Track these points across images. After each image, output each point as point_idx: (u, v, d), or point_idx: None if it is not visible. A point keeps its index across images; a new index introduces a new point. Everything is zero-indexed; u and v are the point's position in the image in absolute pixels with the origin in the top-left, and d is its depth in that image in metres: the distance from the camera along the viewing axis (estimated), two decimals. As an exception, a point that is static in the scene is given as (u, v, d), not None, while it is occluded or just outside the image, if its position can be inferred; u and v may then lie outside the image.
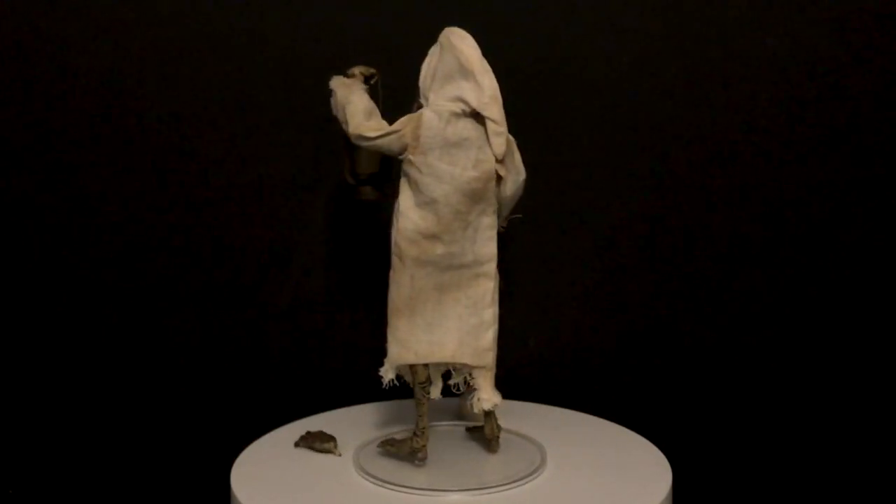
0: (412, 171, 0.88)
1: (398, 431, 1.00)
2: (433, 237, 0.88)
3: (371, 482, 0.90)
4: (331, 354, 1.20)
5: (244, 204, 1.17)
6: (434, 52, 0.89)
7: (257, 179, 1.17)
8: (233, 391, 1.20)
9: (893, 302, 1.19)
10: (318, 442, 0.96)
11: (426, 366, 0.92)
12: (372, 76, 0.93)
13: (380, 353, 1.11)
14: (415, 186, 0.88)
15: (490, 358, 0.92)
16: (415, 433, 0.92)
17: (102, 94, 1.15)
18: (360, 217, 1.17)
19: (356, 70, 0.92)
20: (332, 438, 0.96)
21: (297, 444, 0.98)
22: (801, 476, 1.15)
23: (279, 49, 1.15)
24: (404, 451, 0.93)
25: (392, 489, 0.89)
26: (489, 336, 0.92)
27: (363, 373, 1.17)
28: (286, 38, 1.15)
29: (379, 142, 0.87)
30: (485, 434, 0.96)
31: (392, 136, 0.87)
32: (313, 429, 1.00)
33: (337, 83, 0.90)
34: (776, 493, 1.12)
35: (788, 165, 1.17)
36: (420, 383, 0.92)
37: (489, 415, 0.95)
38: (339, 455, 0.94)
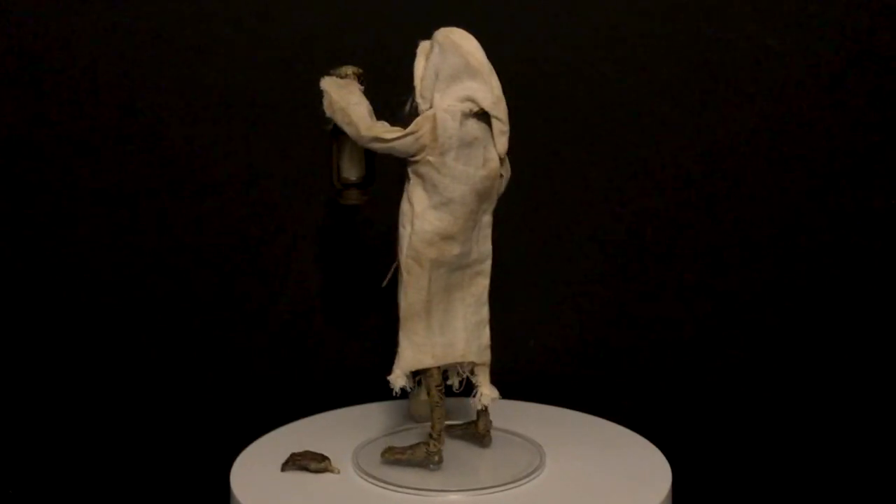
0: (429, 173, 0.87)
1: (388, 435, 1.01)
2: (450, 238, 0.88)
3: (370, 483, 0.90)
4: (330, 355, 1.20)
5: (244, 205, 1.17)
6: (430, 51, 0.88)
7: (257, 180, 1.17)
8: (233, 391, 1.20)
9: (893, 302, 1.19)
10: (313, 462, 0.93)
11: (439, 368, 0.91)
12: (361, 75, 0.92)
13: (378, 353, 1.11)
14: (431, 188, 0.87)
15: (489, 354, 0.93)
16: (431, 436, 0.91)
17: (101, 95, 1.15)
18: (360, 218, 1.17)
19: (349, 70, 0.90)
20: (325, 458, 0.93)
21: (284, 468, 0.93)
22: (801, 476, 1.15)
23: (277, 50, 1.15)
24: (419, 456, 0.92)
25: (391, 490, 0.89)
26: (487, 332, 0.93)
27: (362, 373, 1.18)
28: (285, 39, 1.15)
29: (395, 143, 0.86)
30: (478, 430, 0.96)
31: (410, 138, 0.86)
32: (312, 429, 1.00)
33: (331, 84, 0.88)
34: (776, 493, 1.12)
35: (789, 165, 1.17)
36: (437, 386, 0.91)
37: (484, 411, 0.95)
38: (338, 472, 0.92)
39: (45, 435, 1.17)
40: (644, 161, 1.17)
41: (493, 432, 1.00)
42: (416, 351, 0.89)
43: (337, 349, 1.20)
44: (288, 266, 1.19)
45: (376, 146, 0.87)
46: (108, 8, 1.14)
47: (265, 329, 1.20)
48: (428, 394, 0.91)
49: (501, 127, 0.88)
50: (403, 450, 0.93)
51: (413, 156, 0.87)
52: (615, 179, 1.18)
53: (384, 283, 0.93)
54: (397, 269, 0.91)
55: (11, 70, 1.14)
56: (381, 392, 1.06)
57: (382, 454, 0.93)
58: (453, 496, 0.88)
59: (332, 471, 0.91)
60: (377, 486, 0.90)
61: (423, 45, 0.89)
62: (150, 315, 1.19)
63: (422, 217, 0.87)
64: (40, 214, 1.16)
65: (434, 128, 0.86)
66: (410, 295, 0.89)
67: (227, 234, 1.18)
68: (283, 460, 0.95)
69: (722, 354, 1.20)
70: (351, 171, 0.93)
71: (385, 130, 0.86)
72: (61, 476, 1.11)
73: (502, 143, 0.88)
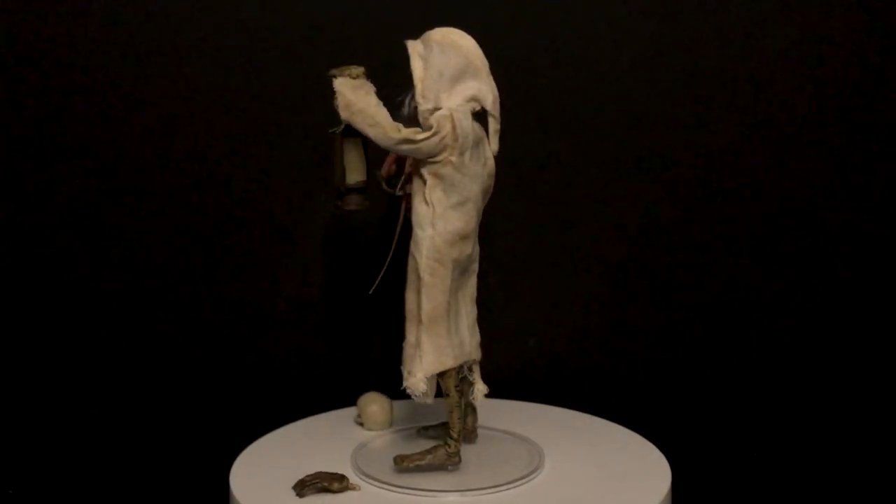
0: (450, 173, 0.86)
1: (386, 436, 1.01)
2: (467, 237, 0.88)
3: (370, 483, 0.90)
4: (330, 355, 1.20)
5: (244, 204, 1.17)
6: (424, 51, 0.88)
7: (257, 180, 1.17)
8: (233, 391, 1.20)
9: (893, 302, 1.19)
10: (335, 483, 0.90)
11: (457, 368, 0.91)
12: (367, 75, 0.89)
13: (376, 355, 1.11)
14: (450, 188, 0.87)
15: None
16: (451, 437, 0.91)
17: (102, 94, 1.15)
18: (360, 217, 1.16)
19: (358, 70, 0.87)
20: (343, 477, 0.90)
21: (302, 494, 0.89)
22: (801, 476, 1.15)
23: (279, 50, 1.15)
24: (439, 459, 0.91)
25: (391, 490, 0.89)
26: (477, 328, 0.93)
27: (362, 373, 1.18)
28: (287, 39, 1.15)
29: (423, 145, 0.85)
30: (468, 427, 0.96)
31: (435, 138, 0.85)
32: (310, 430, 1.00)
33: (346, 85, 0.86)
34: (776, 492, 1.12)
35: (789, 166, 1.17)
36: (456, 387, 0.91)
37: (473, 407, 0.96)
38: (359, 489, 0.90)
39: (45, 435, 1.17)
40: (643, 161, 1.17)
41: (492, 432, 1.00)
42: (438, 353, 0.89)
43: (338, 349, 1.20)
44: (286, 267, 1.19)
45: (405, 147, 0.86)
46: (107, 6, 1.14)
47: (266, 329, 1.20)
48: (447, 395, 0.91)
49: (496, 126, 0.89)
50: (422, 455, 0.92)
51: (435, 156, 0.86)
52: (615, 179, 1.18)
53: (371, 291, 0.93)
54: (406, 273, 0.90)
55: (11, 69, 1.14)
56: (381, 392, 1.06)
57: (397, 464, 0.91)
58: (453, 496, 0.88)
59: (353, 488, 0.90)
60: (376, 486, 0.90)
61: (415, 46, 0.87)
62: (151, 315, 1.19)
63: (443, 217, 0.87)
64: (43, 214, 1.16)
65: (454, 128, 0.85)
66: (436, 297, 0.88)
67: (226, 234, 1.18)
68: (282, 461, 0.95)
69: (722, 354, 1.20)
70: (355, 175, 0.91)
71: (412, 132, 0.85)
72: (61, 476, 1.11)
73: (496, 141, 0.89)
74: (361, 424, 1.03)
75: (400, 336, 0.91)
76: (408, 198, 0.91)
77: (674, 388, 1.20)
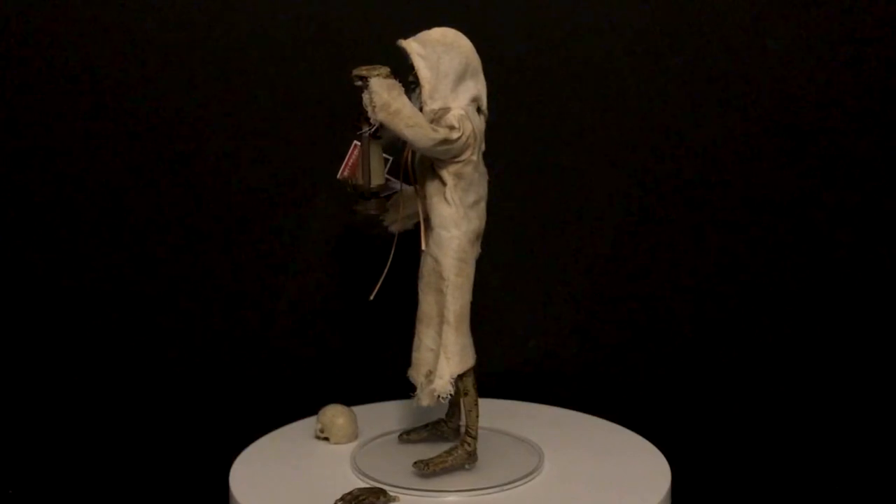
0: (470, 172, 0.86)
1: (386, 435, 1.01)
2: (480, 236, 0.89)
3: (369, 483, 0.90)
4: (331, 354, 1.20)
5: (244, 203, 1.18)
6: (428, 51, 0.86)
7: (258, 179, 1.17)
8: (233, 391, 1.20)
9: (892, 302, 1.19)
10: (380, 497, 0.88)
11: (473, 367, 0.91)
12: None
13: (378, 352, 1.11)
14: (469, 187, 0.86)
15: None
16: (470, 436, 0.91)
17: (103, 94, 1.15)
18: (360, 219, 1.16)
19: (385, 70, 0.85)
20: (383, 491, 0.89)
21: None
22: (801, 476, 1.15)
23: (281, 48, 1.15)
24: (461, 459, 0.91)
25: (390, 490, 0.89)
26: None
27: (362, 373, 1.18)
28: (289, 38, 1.15)
29: (456, 145, 0.84)
30: (451, 425, 0.97)
31: (463, 138, 0.85)
32: (311, 431, 1.00)
33: (381, 86, 0.83)
34: (776, 492, 1.12)
35: (788, 166, 1.17)
36: (474, 385, 0.91)
37: (459, 407, 0.96)
38: (398, 499, 0.89)
39: (45, 435, 1.17)
40: (643, 161, 1.17)
41: (492, 432, 1.00)
42: (463, 353, 0.88)
43: (339, 348, 1.20)
44: (288, 267, 1.19)
45: (441, 148, 0.84)
46: (110, 4, 1.14)
47: (266, 328, 1.20)
48: (465, 395, 0.90)
49: (484, 126, 0.88)
50: (444, 457, 0.91)
51: (459, 156, 0.86)
52: (615, 179, 1.18)
53: (371, 297, 0.92)
54: (421, 276, 0.90)
55: (14, 67, 1.14)
56: (381, 392, 1.07)
57: (422, 469, 0.90)
58: (451, 497, 0.88)
59: (394, 499, 0.89)
60: (376, 486, 0.90)
61: (413, 46, 0.86)
62: (151, 314, 1.19)
63: (466, 217, 0.87)
64: (43, 214, 1.16)
65: (473, 127, 0.85)
66: (464, 296, 0.88)
67: (227, 233, 1.18)
68: (282, 461, 0.95)
69: (722, 354, 1.20)
70: (377, 178, 0.88)
71: (446, 132, 0.84)
72: (61, 476, 1.11)
73: (483, 141, 0.89)
74: (326, 439, 1.00)
75: (394, 338, 0.91)
76: (402, 200, 0.91)
77: (674, 388, 1.20)
